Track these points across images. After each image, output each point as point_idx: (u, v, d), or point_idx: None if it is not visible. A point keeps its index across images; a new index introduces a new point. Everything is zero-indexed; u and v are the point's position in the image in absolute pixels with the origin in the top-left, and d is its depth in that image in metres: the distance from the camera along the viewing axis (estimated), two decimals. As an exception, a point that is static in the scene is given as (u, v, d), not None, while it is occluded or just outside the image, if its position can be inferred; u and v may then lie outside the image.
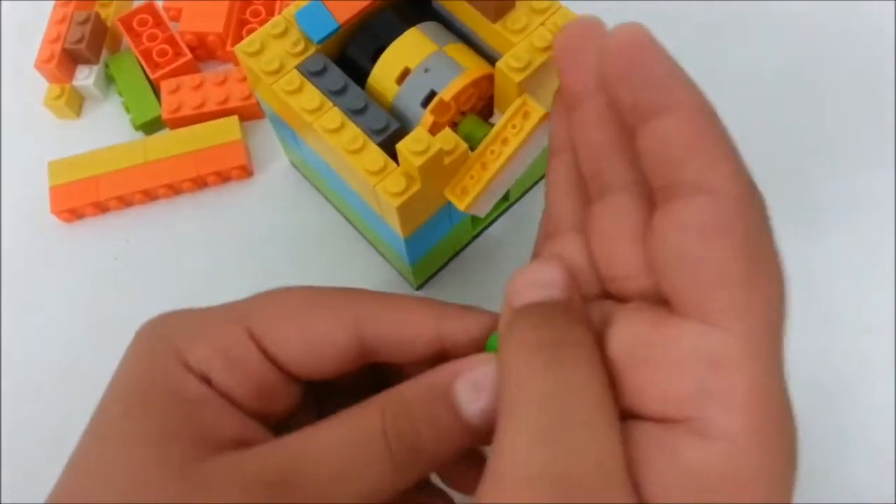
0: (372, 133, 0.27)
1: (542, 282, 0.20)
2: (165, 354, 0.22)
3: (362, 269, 0.36)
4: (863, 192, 0.36)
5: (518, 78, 0.26)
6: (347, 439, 0.21)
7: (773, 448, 0.17)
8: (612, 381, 0.19)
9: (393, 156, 0.26)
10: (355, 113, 0.27)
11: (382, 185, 0.26)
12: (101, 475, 0.20)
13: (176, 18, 0.42)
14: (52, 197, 0.37)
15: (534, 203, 0.37)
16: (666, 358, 0.18)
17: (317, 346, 0.23)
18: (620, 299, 0.21)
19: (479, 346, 0.23)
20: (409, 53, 0.28)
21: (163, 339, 0.23)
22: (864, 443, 0.31)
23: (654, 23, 0.40)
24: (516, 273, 0.21)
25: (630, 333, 0.19)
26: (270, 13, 0.41)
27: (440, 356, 0.23)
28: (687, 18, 0.41)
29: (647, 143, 0.19)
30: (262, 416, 0.23)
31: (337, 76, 0.28)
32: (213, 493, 0.19)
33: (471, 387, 0.21)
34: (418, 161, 0.24)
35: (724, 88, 0.39)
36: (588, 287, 0.21)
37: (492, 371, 0.20)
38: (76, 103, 0.40)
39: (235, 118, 0.38)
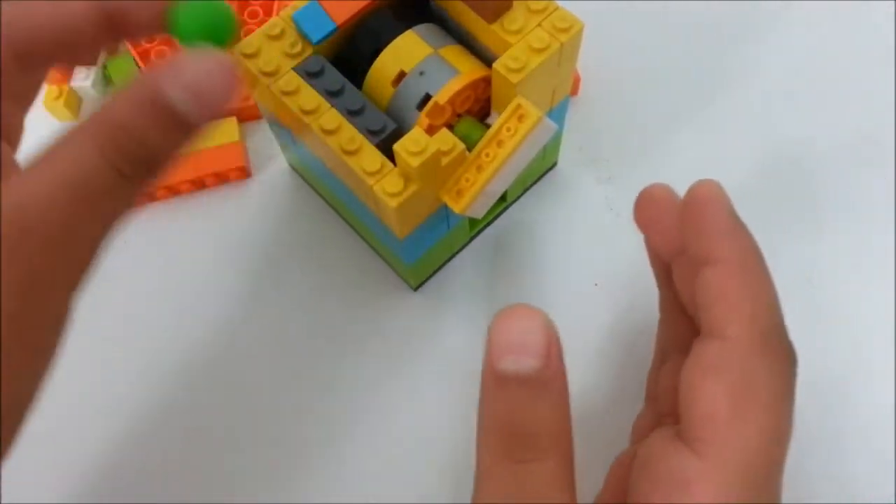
0: (369, 134, 0.27)
1: (522, 348, 0.21)
2: None
3: (361, 269, 0.36)
4: (863, 192, 0.36)
5: (515, 79, 0.26)
6: (66, 174, 0.20)
7: None
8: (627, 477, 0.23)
9: (390, 157, 0.26)
10: (353, 114, 0.27)
11: (380, 185, 0.26)
12: None
13: None
14: (51, 198, 0.37)
15: (531, 204, 0.37)
16: (655, 470, 0.22)
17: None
18: None
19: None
20: (404, 56, 0.28)
21: None
22: (863, 443, 0.31)
23: (654, 23, 0.41)
24: (501, 322, 0.21)
25: (651, 444, 0.23)
26: (268, 14, 0.40)
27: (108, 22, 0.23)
28: (687, 19, 0.41)
29: (696, 288, 0.23)
30: None
31: (334, 77, 0.28)
32: None
33: (182, 91, 0.20)
34: (416, 161, 0.24)
35: (724, 88, 0.40)
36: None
37: (193, 68, 0.21)
38: (74, 104, 0.40)
39: (234, 119, 0.38)
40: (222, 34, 0.22)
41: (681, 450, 0.21)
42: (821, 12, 0.41)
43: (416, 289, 0.35)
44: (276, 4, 0.40)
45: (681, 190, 0.36)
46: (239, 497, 0.31)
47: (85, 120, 0.21)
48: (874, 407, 0.32)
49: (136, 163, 0.21)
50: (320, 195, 0.37)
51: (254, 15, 0.41)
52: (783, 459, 0.22)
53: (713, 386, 0.21)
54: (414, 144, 0.24)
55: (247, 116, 0.39)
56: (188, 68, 0.21)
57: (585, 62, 0.38)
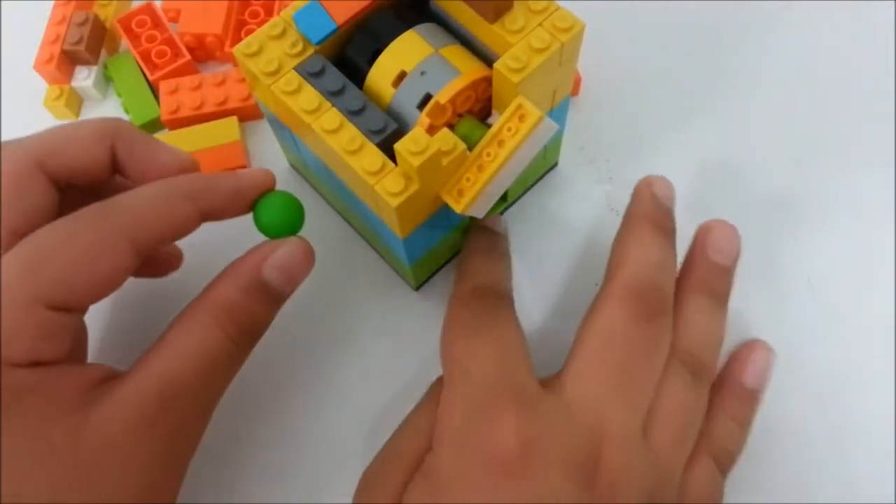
0: (370, 133, 0.27)
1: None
2: None
3: (361, 269, 0.36)
4: (863, 192, 0.37)
5: (516, 79, 0.26)
6: (198, 348, 0.25)
7: None
8: None
9: (391, 157, 0.26)
10: (353, 114, 0.27)
11: (381, 184, 0.26)
12: None
13: (175, 19, 0.42)
14: (52, 198, 0.37)
15: (531, 204, 0.37)
16: None
17: (102, 287, 0.25)
18: None
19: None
20: (405, 56, 0.28)
21: None
22: (864, 443, 0.31)
23: (654, 23, 0.41)
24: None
25: None
26: (269, 14, 0.41)
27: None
28: (688, 19, 0.41)
29: None
30: None
31: (335, 77, 0.28)
32: (111, 451, 0.23)
33: (276, 272, 0.27)
34: (417, 161, 0.24)
35: (724, 88, 0.40)
36: None
37: (282, 253, 0.27)
38: (75, 104, 0.41)
39: (234, 119, 0.38)
40: (297, 224, 0.29)
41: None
42: (821, 12, 0.41)
43: (416, 289, 0.35)
44: (276, 4, 0.41)
45: (679, 188, 0.36)
46: (238, 497, 0.31)
47: (199, 300, 0.26)
48: (874, 407, 0.32)
49: (246, 333, 0.27)
50: (320, 194, 0.37)
51: (255, 15, 0.41)
52: None
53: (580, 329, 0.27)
54: (415, 144, 0.24)
55: (247, 116, 0.39)
56: (281, 256, 0.27)
57: (586, 62, 0.38)
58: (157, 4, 0.42)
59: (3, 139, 0.40)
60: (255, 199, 0.28)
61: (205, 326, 0.25)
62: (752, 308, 0.34)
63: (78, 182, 0.28)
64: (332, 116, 0.27)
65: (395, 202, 0.26)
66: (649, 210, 0.29)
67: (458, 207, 0.27)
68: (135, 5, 0.43)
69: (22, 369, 0.23)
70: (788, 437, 0.32)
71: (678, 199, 0.36)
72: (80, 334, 0.29)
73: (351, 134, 0.26)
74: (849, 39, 0.40)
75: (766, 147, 0.38)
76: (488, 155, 0.26)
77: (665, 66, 0.40)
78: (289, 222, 0.28)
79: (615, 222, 0.36)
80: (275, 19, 0.29)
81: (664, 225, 0.29)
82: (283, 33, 0.29)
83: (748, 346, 0.31)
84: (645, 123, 0.39)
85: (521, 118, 0.26)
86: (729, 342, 0.32)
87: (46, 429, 0.23)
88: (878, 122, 0.38)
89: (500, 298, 0.29)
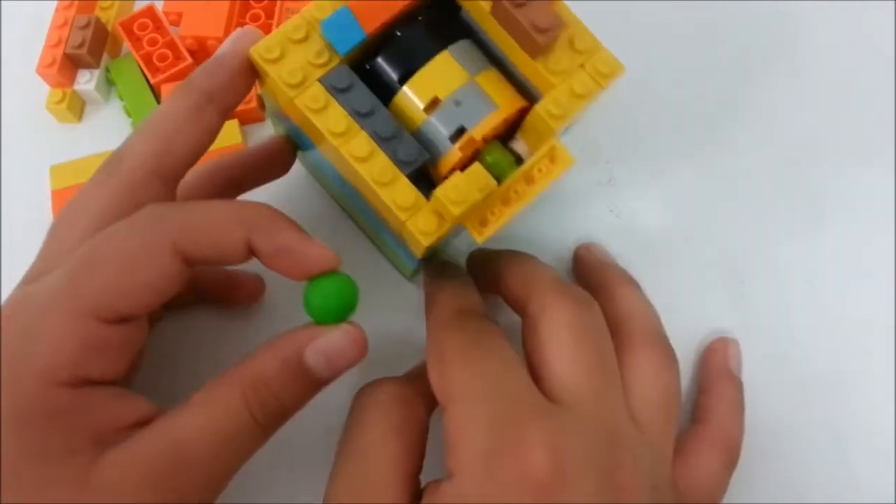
0: (401, 164, 0.26)
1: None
2: (26, 378, 0.23)
3: (361, 268, 0.35)
4: (862, 192, 0.37)
5: (556, 125, 0.25)
6: (217, 421, 0.24)
7: None
8: None
9: (416, 180, 0.26)
10: (383, 140, 0.26)
11: (413, 222, 0.25)
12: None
13: (176, 23, 0.41)
14: (55, 201, 0.36)
15: (530, 205, 0.36)
16: None
17: (146, 289, 0.24)
18: None
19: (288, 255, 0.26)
20: (440, 81, 0.27)
21: (18, 356, 0.23)
22: (864, 443, 0.32)
23: (654, 23, 0.40)
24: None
25: None
26: (270, 16, 0.40)
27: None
28: (688, 20, 0.41)
29: None
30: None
31: (364, 97, 0.27)
32: (112, 499, 0.23)
33: (320, 356, 0.25)
34: (457, 210, 0.24)
35: (724, 90, 0.40)
36: None
37: (332, 338, 0.25)
38: (78, 107, 0.40)
39: (235, 122, 0.38)
40: (349, 309, 0.26)
41: None
42: (821, 12, 0.41)
43: (410, 278, 0.35)
44: (278, 6, 0.40)
45: (679, 188, 0.36)
46: (238, 497, 0.31)
47: (233, 369, 0.25)
48: (874, 407, 0.33)
49: (271, 415, 0.25)
50: (314, 177, 0.37)
51: (256, 18, 0.40)
52: None
53: None
54: (456, 193, 0.24)
55: (248, 119, 0.39)
56: (329, 342, 0.25)
57: None
58: (159, 7, 0.41)
59: (6, 142, 0.39)
60: (312, 273, 0.26)
61: (230, 401, 0.24)
62: (751, 308, 0.34)
63: (213, 264, 0.26)
64: (362, 142, 0.26)
65: (426, 241, 0.25)
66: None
67: (479, 238, 0.26)
68: (138, 6, 0.42)
69: (66, 389, 0.23)
70: (788, 437, 0.32)
71: (679, 200, 0.36)
72: (136, 358, 0.28)
73: (382, 164, 0.26)
74: (849, 39, 0.40)
75: (765, 147, 0.38)
76: (516, 192, 0.26)
77: (665, 69, 0.40)
78: (342, 307, 0.26)
79: (615, 224, 0.37)
80: (295, 20, 0.27)
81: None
82: (306, 38, 0.27)
83: (720, 340, 0.33)
84: (645, 125, 0.38)
85: (553, 160, 0.25)
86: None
87: (65, 457, 0.23)
88: (878, 123, 0.39)
89: (485, 317, 0.28)
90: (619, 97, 0.38)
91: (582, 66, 0.26)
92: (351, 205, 0.34)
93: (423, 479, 0.26)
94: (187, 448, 0.24)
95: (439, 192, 0.24)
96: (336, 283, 0.26)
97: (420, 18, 0.28)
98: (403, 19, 0.28)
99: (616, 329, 0.29)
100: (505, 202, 0.26)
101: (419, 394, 0.27)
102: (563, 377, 0.25)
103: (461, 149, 0.26)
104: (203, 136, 0.27)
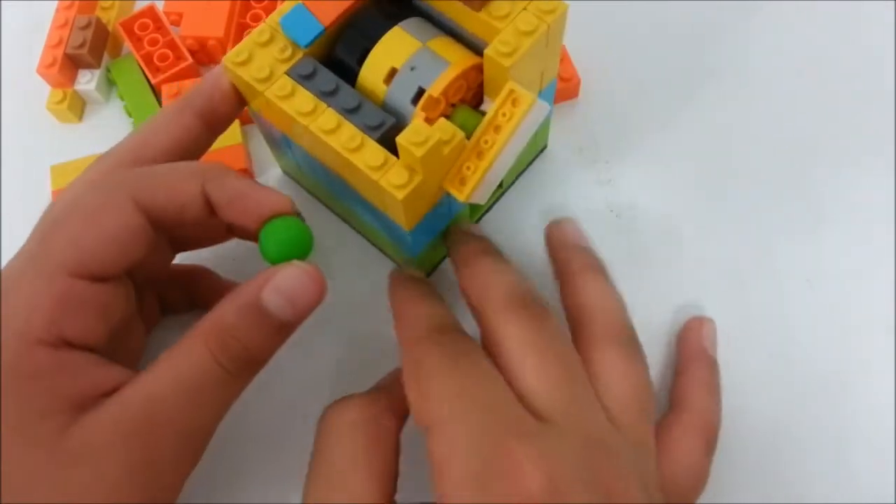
0: (369, 129, 0.27)
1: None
2: (6, 338, 0.24)
3: (363, 268, 0.36)
4: (863, 192, 0.37)
5: (508, 63, 0.26)
6: (184, 374, 0.24)
7: None
8: None
9: (391, 151, 0.26)
10: (350, 112, 0.27)
11: (385, 178, 0.26)
12: None
13: (177, 23, 0.42)
14: (55, 201, 0.37)
15: (531, 206, 0.37)
16: None
17: (112, 242, 0.25)
18: None
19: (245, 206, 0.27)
20: (394, 53, 0.28)
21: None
22: (863, 443, 0.32)
23: (652, 23, 0.41)
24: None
25: None
26: (272, 17, 0.41)
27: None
28: (687, 19, 0.42)
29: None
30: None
31: (328, 77, 0.28)
32: (86, 458, 0.23)
33: (278, 296, 0.25)
34: (420, 151, 0.25)
35: (724, 88, 0.40)
36: None
37: (286, 275, 0.25)
38: (78, 107, 0.41)
39: (236, 122, 0.38)
40: (303, 249, 0.27)
41: None
42: (821, 12, 0.41)
43: None
44: (278, 5, 0.40)
45: (679, 188, 0.36)
46: (237, 497, 0.31)
47: (198, 323, 0.25)
48: (874, 407, 0.32)
49: (240, 361, 0.25)
50: (317, 198, 0.37)
51: (256, 18, 0.41)
52: None
53: None
54: (416, 135, 0.25)
55: (249, 119, 0.39)
56: (283, 279, 0.25)
57: (585, 64, 0.39)
58: (160, 7, 0.42)
59: (6, 142, 0.40)
60: (264, 216, 0.27)
61: (193, 350, 0.25)
62: (752, 308, 0.34)
63: (175, 222, 0.27)
64: (329, 117, 0.27)
65: (400, 194, 0.26)
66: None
67: (461, 196, 0.27)
68: (139, 6, 0.44)
69: (45, 349, 0.24)
70: (788, 437, 0.32)
71: (679, 200, 0.36)
72: (122, 333, 0.28)
73: (350, 132, 0.27)
74: (848, 39, 0.41)
75: (765, 147, 0.38)
76: (486, 142, 0.27)
77: (664, 68, 0.40)
78: (294, 245, 0.26)
79: (615, 224, 0.36)
80: (261, 26, 0.29)
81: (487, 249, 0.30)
82: (271, 39, 0.29)
83: (695, 320, 0.33)
84: (644, 125, 0.39)
85: (515, 102, 0.26)
86: (727, 340, 0.33)
87: (42, 419, 0.23)
88: (878, 123, 0.38)
89: (459, 331, 0.27)
90: (618, 97, 0.40)
91: (525, 9, 0.27)
92: (346, 207, 0.35)
93: (405, 498, 0.26)
94: (157, 404, 0.24)
95: (401, 138, 0.25)
96: (287, 221, 0.27)
97: (373, 4, 0.30)
98: (360, 10, 0.30)
99: (578, 322, 0.28)
100: (479, 155, 0.27)
101: (387, 408, 0.27)
102: (534, 393, 0.25)
103: (423, 108, 0.27)
104: (180, 132, 0.29)
